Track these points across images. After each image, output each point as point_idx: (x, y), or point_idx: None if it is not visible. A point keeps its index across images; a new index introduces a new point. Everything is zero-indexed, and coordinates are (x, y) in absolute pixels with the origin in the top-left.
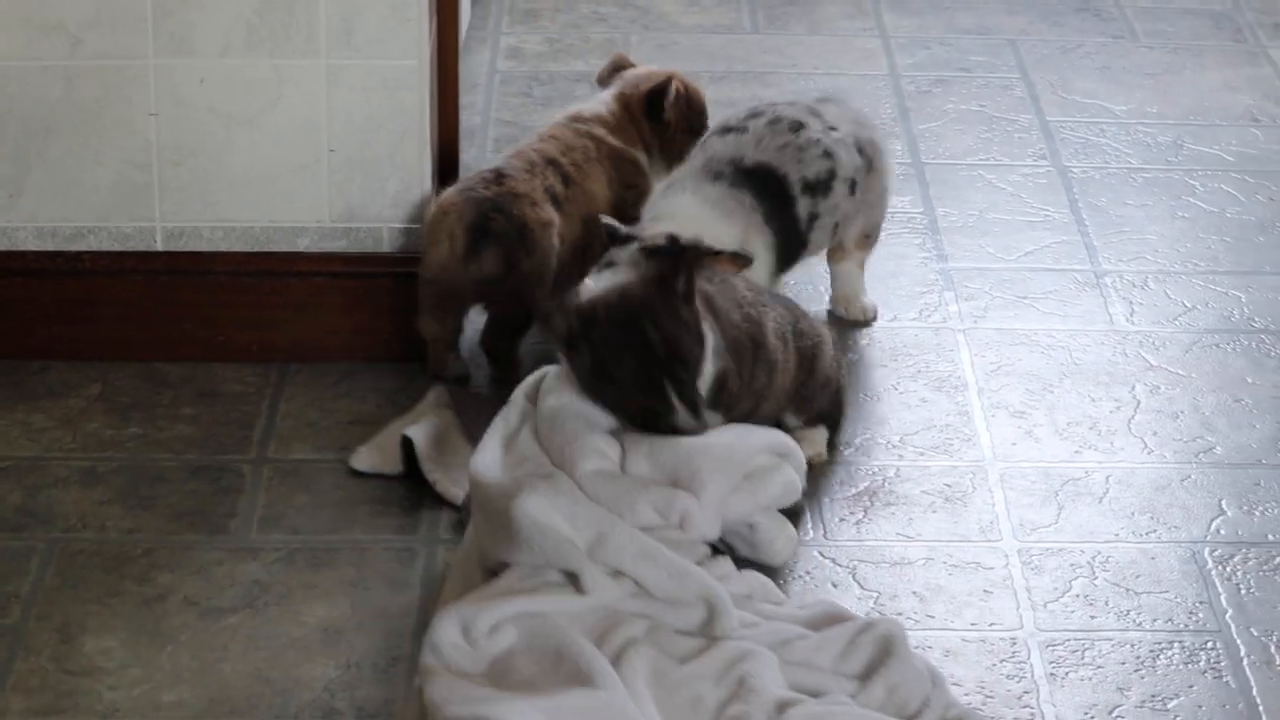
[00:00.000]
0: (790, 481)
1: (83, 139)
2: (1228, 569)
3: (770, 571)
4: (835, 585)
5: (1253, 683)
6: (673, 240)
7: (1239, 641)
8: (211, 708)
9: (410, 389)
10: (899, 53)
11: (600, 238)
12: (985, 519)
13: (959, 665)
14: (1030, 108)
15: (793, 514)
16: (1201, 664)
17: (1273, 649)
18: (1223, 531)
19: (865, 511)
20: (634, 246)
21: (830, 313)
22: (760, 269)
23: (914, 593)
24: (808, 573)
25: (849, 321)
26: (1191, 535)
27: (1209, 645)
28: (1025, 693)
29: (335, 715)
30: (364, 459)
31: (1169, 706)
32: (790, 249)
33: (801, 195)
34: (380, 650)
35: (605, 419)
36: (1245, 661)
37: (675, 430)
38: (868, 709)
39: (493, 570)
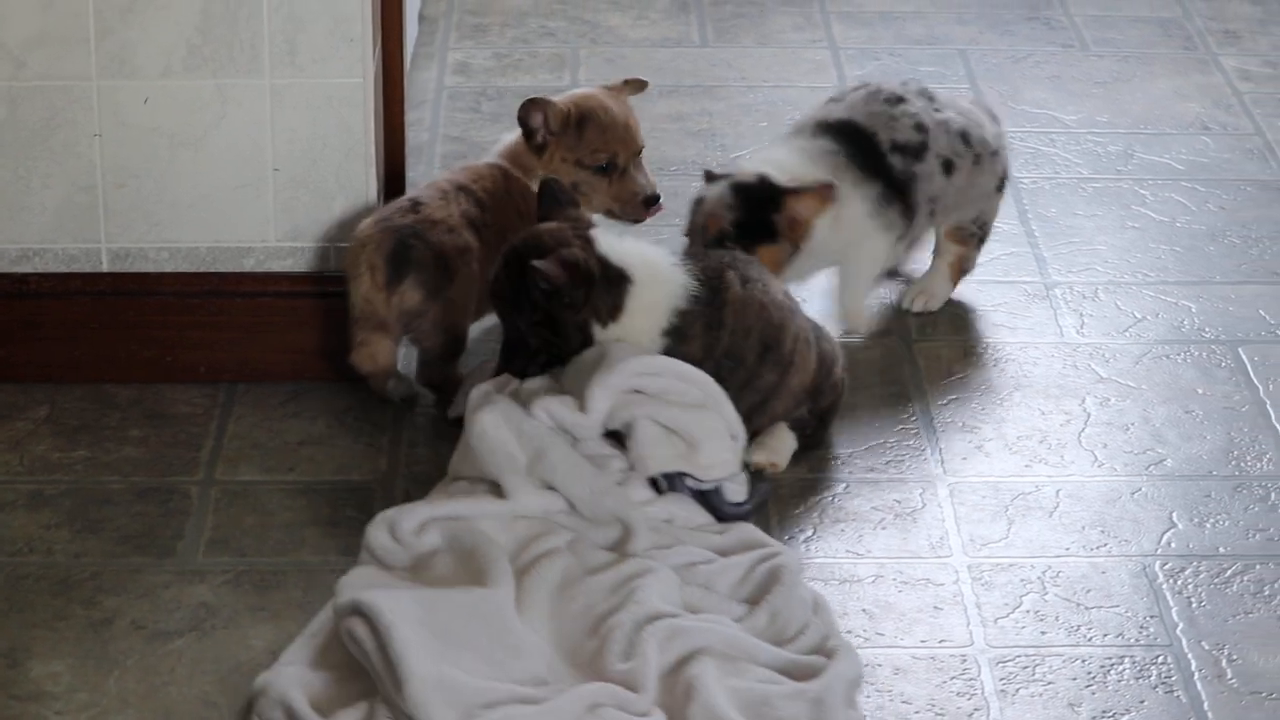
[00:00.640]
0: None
1: (27, 161)
2: (1178, 582)
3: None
4: None
5: (1204, 697)
6: (762, 179)
7: (1190, 655)
8: None
9: (358, 409)
10: (849, 64)
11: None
12: (935, 535)
13: (909, 683)
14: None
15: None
16: (1153, 679)
17: (1224, 663)
18: (1173, 544)
19: (814, 529)
20: (725, 183)
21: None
22: (869, 224)
23: (863, 610)
24: None
25: (905, 312)
26: (1142, 549)
27: (1160, 660)
28: (976, 710)
29: None
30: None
31: None
32: (899, 203)
33: (891, 153)
34: None
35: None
36: (1196, 676)
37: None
38: (749, 631)
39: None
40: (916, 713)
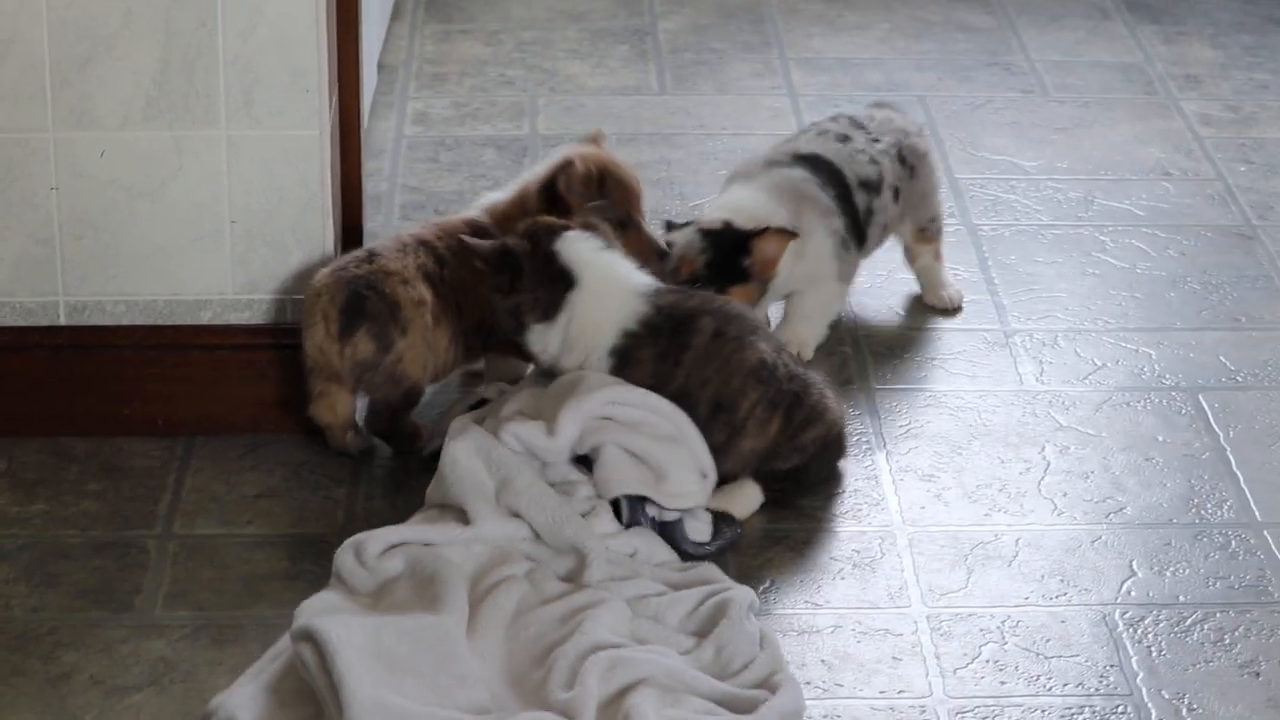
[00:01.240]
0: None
1: None
2: (1138, 631)
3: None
4: None
5: None
6: (727, 224)
7: (1150, 705)
8: None
9: (315, 462)
10: (808, 111)
11: (481, 324)
12: (894, 584)
13: None
14: (939, 165)
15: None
16: None
17: (1184, 712)
18: (1133, 593)
19: (772, 580)
20: (691, 229)
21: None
22: (831, 265)
23: (822, 661)
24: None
25: (939, 311)
26: (1102, 597)
27: (1120, 710)
28: None
29: None
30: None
31: None
32: (854, 243)
33: (858, 189)
34: None
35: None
36: None
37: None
38: (695, 664)
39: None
40: None
